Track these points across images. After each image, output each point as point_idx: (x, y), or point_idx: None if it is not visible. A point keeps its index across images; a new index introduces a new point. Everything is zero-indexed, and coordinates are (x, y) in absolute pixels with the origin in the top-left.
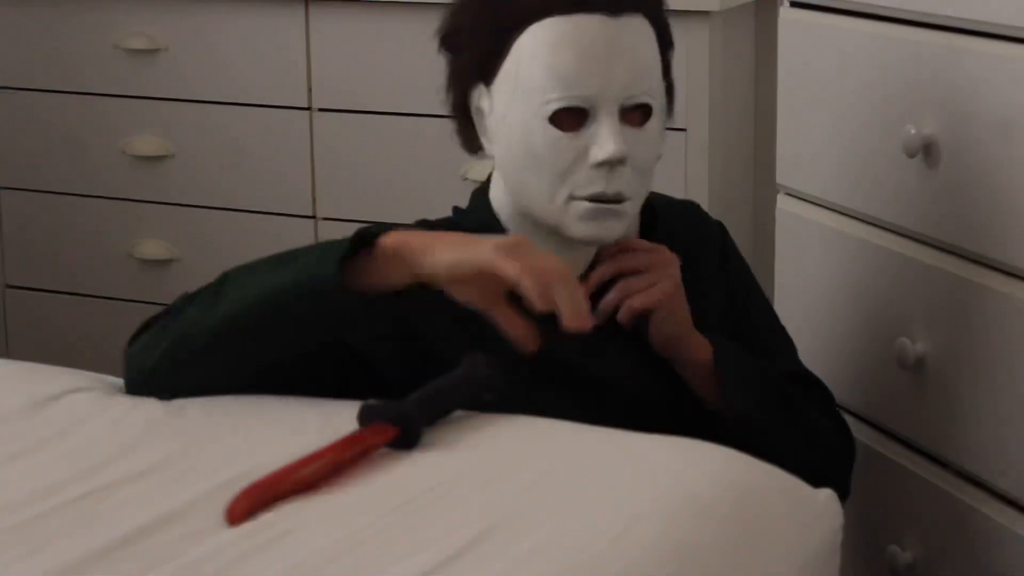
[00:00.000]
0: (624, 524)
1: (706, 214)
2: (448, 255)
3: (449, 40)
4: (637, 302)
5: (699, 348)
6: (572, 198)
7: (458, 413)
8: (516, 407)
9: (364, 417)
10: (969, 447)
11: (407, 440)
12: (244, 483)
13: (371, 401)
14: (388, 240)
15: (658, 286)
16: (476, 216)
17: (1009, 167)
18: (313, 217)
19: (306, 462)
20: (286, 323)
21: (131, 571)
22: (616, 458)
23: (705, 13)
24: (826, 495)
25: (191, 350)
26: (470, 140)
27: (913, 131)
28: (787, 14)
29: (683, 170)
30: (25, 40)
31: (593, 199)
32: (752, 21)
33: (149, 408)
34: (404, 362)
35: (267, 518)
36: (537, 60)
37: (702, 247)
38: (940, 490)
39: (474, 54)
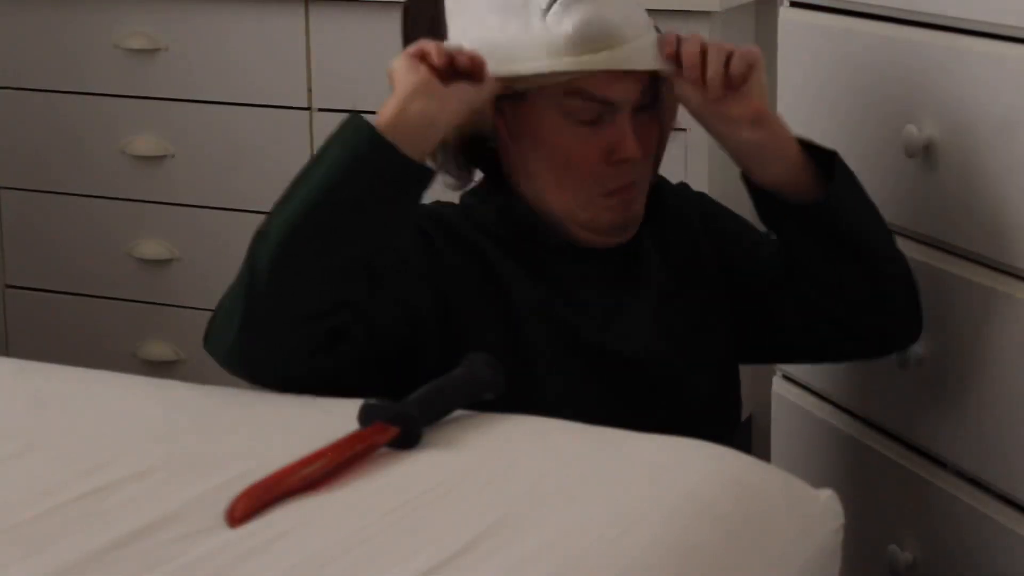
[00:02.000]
0: (624, 524)
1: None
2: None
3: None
4: (746, 58)
5: (780, 119)
6: (546, 8)
7: (458, 413)
8: (542, 391)
9: (364, 417)
10: (969, 447)
11: (407, 440)
12: (244, 483)
13: (371, 401)
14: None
15: (746, 46)
16: (492, 198)
17: (1009, 167)
18: None
19: (306, 462)
20: (349, 203)
21: (131, 571)
22: (616, 458)
23: (705, 13)
24: (827, 495)
25: (267, 285)
26: None
27: (914, 131)
28: (787, 14)
29: (683, 170)
30: (25, 40)
31: None
32: (752, 21)
33: (149, 408)
34: (440, 328)
35: (267, 518)
36: None
37: (692, 218)
38: (940, 490)
39: (424, 29)
